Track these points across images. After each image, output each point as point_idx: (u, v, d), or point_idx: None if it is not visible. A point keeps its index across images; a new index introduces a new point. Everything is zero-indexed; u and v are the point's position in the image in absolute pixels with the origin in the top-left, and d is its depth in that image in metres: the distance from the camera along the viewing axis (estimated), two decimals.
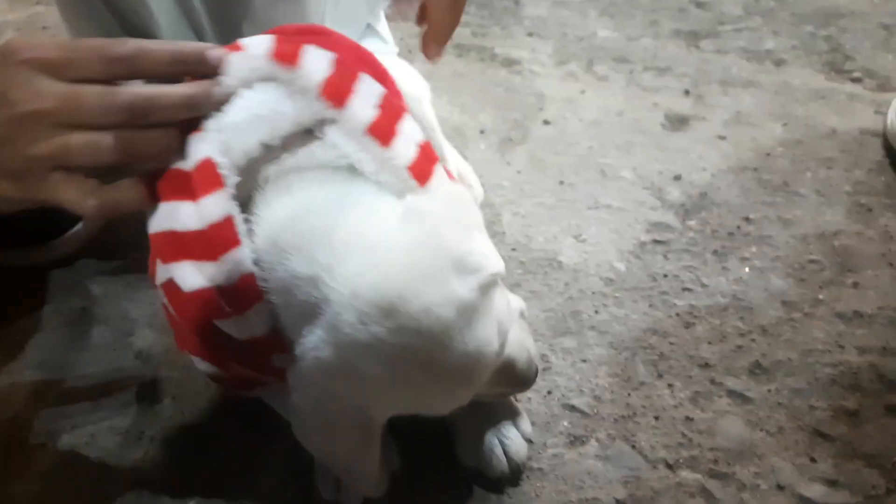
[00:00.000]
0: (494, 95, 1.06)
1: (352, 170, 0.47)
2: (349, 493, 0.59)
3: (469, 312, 0.44)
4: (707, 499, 0.61)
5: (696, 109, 1.04)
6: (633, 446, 0.64)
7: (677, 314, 0.76)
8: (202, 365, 0.52)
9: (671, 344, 0.73)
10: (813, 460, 0.63)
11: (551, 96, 1.06)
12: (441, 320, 0.43)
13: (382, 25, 0.88)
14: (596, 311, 0.76)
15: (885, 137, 0.96)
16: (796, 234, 0.85)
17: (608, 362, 0.71)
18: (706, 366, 0.71)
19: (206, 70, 0.46)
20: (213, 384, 0.59)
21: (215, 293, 0.44)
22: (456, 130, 0.99)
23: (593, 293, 0.78)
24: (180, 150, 0.45)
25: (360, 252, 0.43)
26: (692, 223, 0.86)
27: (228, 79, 0.46)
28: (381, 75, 0.50)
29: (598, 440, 0.65)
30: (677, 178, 0.92)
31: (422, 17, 0.69)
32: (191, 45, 0.46)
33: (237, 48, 0.47)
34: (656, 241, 0.84)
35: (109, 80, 0.44)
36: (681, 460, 0.63)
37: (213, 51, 0.46)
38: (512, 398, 0.65)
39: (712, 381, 0.69)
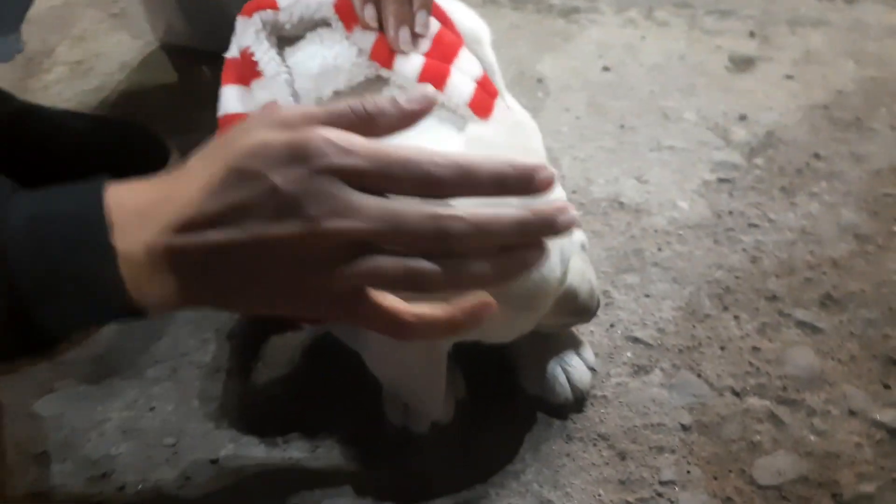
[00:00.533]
0: (552, 45, 1.06)
1: None
2: (417, 419, 0.61)
3: None
4: (776, 424, 0.60)
5: (762, 50, 1.01)
6: (699, 375, 0.64)
7: (743, 249, 0.74)
8: None
9: (737, 278, 0.72)
10: (887, 387, 0.62)
11: (610, 43, 1.04)
12: None
13: None
14: (659, 249, 0.75)
15: None
16: (869, 169, 0.82)
17: (672, 296, 0.71)
18: (774, 298, 0.70)
19: (533, 193, 0.38)
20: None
21: None
22: (513, 80, 0.99)
23: (656, 231, 0.77)
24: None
25: None
26: (758, 161, 0.84)
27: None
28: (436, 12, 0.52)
29: (662, 370, 0.65)
30: (742, 118, 0.90)
31: None
32: (519, 166, 0.37)
33: None
34: (721, 180, 0.82)
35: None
36: (748, 388, 0.63)
37: (544, 171, 0.37)
38: (574, 330, 0.66)
39: (780, 313, 0.68)
